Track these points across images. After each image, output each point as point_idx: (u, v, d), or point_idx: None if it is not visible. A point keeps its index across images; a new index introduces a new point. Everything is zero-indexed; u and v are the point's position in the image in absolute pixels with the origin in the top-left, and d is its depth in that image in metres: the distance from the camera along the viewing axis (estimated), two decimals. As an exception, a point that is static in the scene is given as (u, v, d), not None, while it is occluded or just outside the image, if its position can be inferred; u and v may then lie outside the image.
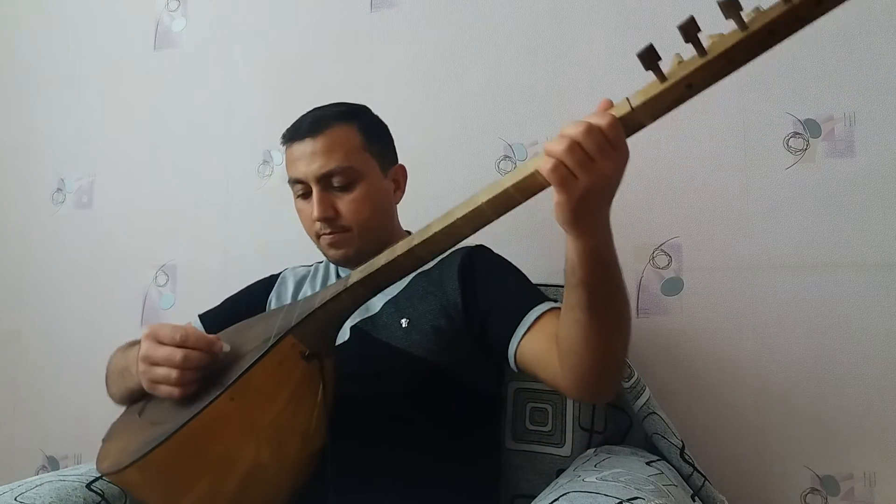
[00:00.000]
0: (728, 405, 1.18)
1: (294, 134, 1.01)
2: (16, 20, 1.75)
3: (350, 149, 0.99)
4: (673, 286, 1.23)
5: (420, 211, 1.14)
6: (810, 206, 1.17)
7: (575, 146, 0.62)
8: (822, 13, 0.56)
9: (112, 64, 1.66)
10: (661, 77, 0.61)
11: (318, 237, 1.02)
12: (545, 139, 1.32)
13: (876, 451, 1.12)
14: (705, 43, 0.59)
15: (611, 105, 0.64)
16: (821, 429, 1.14)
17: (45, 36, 1.72)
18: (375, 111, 1.11)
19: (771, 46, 0.58)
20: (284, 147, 1.04)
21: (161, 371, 0.78)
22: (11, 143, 1.72)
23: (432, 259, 0.78)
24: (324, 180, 0.98)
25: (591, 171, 0.63)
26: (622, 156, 0.64)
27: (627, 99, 0.63)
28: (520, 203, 0.70)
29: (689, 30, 0.57)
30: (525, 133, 1.33)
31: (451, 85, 1.39)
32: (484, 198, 0.70)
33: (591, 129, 0.62)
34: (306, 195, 1.00)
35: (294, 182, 1.01)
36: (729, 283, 1.20)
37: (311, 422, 0.79)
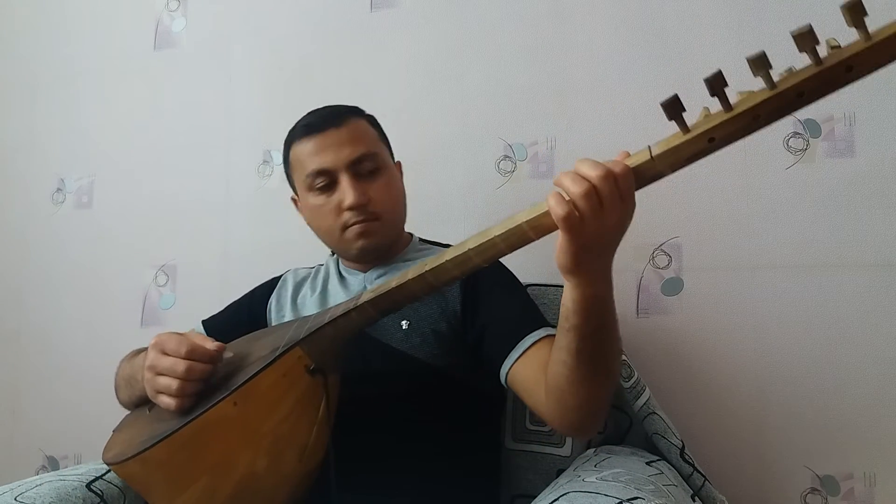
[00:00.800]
0: (728, 405, 1.18)
1: (311, 128, 1.00)
2: (16, 20, 1.75)
3: (371, 138, 1.02)
4: (673, 286, 1.23)
5: (420, 211, 1.15)
6: (810, 206, 1.17)
7: (592, 192, 0.61)
8: (853, 79, 0.55)
9: (112, 64, 1.66)
10: (684, 128, 0.60)
11: (343, 229, 0.99)
12: (545, 139, 1.32)
13: (876, 451, 1.12)
14: (733, 99, 0.58)
15: (628, 155, 0.63)
16: (821, 429, 1.14)
17: (45, 36, 1.72)
18: (375, 111, 1.11)
19: (799, 107, 0.57)
20: (297, 143, 1.02)
21: (163, 381, 0.79)
22: (11, 143, 1.72)
23: (443, 287, 0.77)
24: (353, 167, 0.98)
25: (600, 220, 0.62)
26: (628, 208, 0.63)
27: (649, 147, 0.62)
28: (532, 240, 0.68)
29: (716, 84, 0.56)
30: (525, 133, 1.33)
31: (451, 85, 1.39)
32: (498, 231, 0.69)
33: (610, 176, 0.61)
34: (329, 186, 0.99)
35: (316, 174, 0.98)
36: (729, 283, 1.20)
37: (310, 437, 0.79)
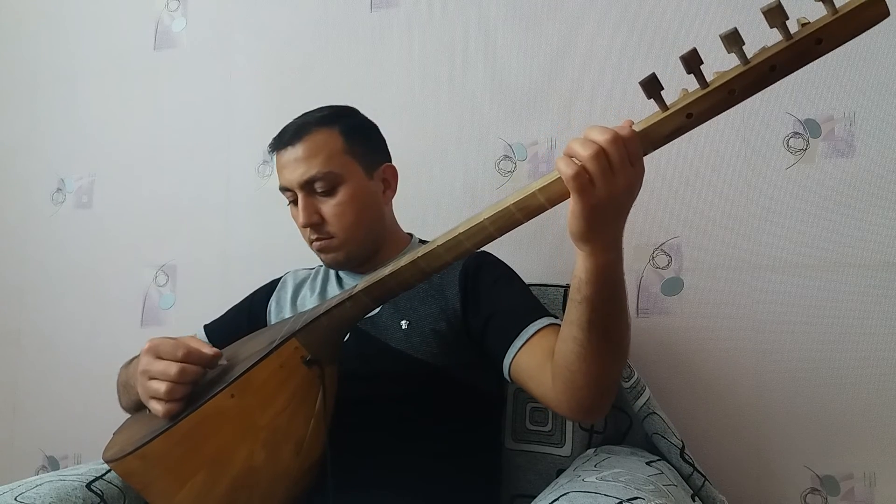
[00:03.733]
0: (728, 405, 1.18)
1: (278, 143, 1.03)
2: (16, 20, 1.75)
3: (330, 153, 0.99)
4: (673, 286, 1.23)
5: (420, 211, 1.15)
6: (810, 206, 1.17)
7: (601, 153, 0.62)
8: (824, 52, 0.57)
9: (112, 64, 1.66)
10: (663, 106, 0.62)
11: (310, 242, 1.03)
12: (545, 139, 1.32)
13: (876, 451, 1.12)
14: (711, 78, 0.60)
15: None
16: (821, 429, 1.14)
17: (45, 36, 1.72)
18: (375, 111, 1.11)
19: (773, 81, 0.60)
20: (273, 155, 1.05)
21: (154, 385, 0.79)
22: (11, 143, 1.72)
23: (435, 272, 0.77)
24: (306, 187, 0.99)
25: (610, 182, 0.63)
26: (638, 172, 0.65)
27: (631, 126, 0.64)
28: (521, 223, 0.70)
29: (692, 61, 0.58)
30: (525, 133, 1.33)
31: (451, 85, 1.39)
32: (487, 214, 0.70)
33: (618, 139, 0.62)
34: (295, 202, 1.02)
35: (283, 190, 1.03)
36: (729, 283, 1.20)
37: (308, 430, 0.80)
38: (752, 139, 1.20)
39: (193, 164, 1.56)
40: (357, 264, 1.05)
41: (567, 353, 0.76)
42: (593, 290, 0.70)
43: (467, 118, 1.37)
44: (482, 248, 1.04)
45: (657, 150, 1.14)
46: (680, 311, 1.22)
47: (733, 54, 0.59)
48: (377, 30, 1.45)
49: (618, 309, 0.73)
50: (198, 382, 0.80)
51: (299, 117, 1.05)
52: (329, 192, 0.99)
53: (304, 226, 1.00)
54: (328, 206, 1.00)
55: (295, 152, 0.99)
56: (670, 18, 1.25)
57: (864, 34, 0.57)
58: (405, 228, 1.13)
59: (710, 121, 1.24)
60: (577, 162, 0.63)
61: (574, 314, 0.73)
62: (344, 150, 1.01)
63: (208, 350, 0.80)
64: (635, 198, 0.67)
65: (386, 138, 1.11)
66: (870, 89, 1.15)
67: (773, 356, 1.17)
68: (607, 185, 0.63)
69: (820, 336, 1.15)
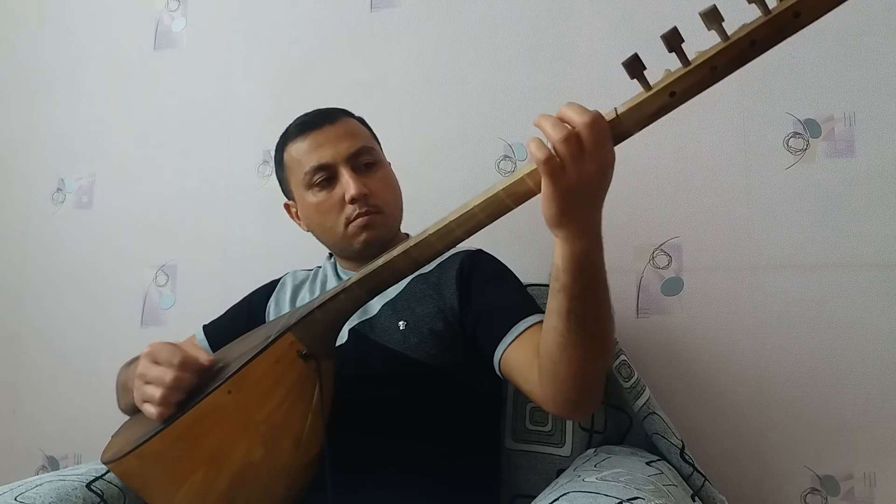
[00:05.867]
0: (728, 405, 1.19)
1: (307, 126, 1.03)
2: (16, 20, 1.75)
3: (366, 134, 1.05)
4: (673, 286, 1.23)
5: (420, 211, 1.15)
6: (810, 206, 1.17)
7: (572, 137, 0.62)
8: (802, 26, 0.58)
9: (112, 64, 1.65)
10: (646, 85, 0.63)
11: (347, 224, 1.00)
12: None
13: (876, 451, 1.12)
14: (693, 56, 0.61)
15: None
16: (821, 429, 1.14)
17: (45, 36, 1.72)
18: (375, 111, 1.12)
19: (754, 57, 0.60)
20: (293, 143, 1.03)
21: (149, 390, 0.79)
22: (11, 143, 1.72)
23: (427, 262, 0.78)
24: (352, 160, 1.00)
25: (580, 166, 0.63)
26: (606, 156, 0.64)
27: (615, 108, 0.65)
28: (511, 208, 0.70)
29: (672, 40, 0.59)
30: (525, 133, 1.33)
31: (451, 85, 1.39)
32: (477, 201, 0.71)
33: (591, 123, 0.63)
34: (329, 181, 1.00)
35: (316, 170, 0.99)
36: (729, 283, 1.20)
37: (306, 425, 0.80)
38: (752, 139, 1.20)
39: (193, 164, 1.56)
40: (379, 251, 1.03)
41: (549, 344, 0.75)
42: (570, 278, 0.69)
43: (467, 118, 1.37)
44: (478, 248, 1.06)
45: (657, 150, 1.14)
46: (680, 311, 1.22)
47: (714, 32, 0.59)
48: (377, 30, 1.45)
49: (598, 300, 0.72)
50: (192, 389, 0.80)
51: (312, 111, 1.06)
52: (371, 167, 1.02)
53: (357, 196, 0.97)
54: (373, 181, 1.01)
55: (335, 129, 1.01)
56: (670, 18, 1.25)
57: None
58: (403, 228, 1.13)
59: (710, 121, 1.24)
60: (548, 145, 0.63)
61: (553, 303, 0.72)
62: (372, 137, 1.07)
63: (204, 358, 0.81)
64: (608, 183, 0.66)
65: (385, 138, 1.12)
66: (870, 89, 1.15)
67: (773, 356, 1.17)
68: (578, 170, 0.63)
69: (820, 336, 1.15)
